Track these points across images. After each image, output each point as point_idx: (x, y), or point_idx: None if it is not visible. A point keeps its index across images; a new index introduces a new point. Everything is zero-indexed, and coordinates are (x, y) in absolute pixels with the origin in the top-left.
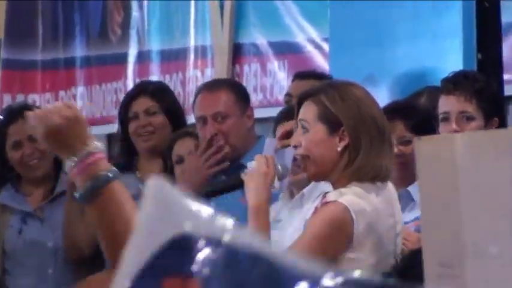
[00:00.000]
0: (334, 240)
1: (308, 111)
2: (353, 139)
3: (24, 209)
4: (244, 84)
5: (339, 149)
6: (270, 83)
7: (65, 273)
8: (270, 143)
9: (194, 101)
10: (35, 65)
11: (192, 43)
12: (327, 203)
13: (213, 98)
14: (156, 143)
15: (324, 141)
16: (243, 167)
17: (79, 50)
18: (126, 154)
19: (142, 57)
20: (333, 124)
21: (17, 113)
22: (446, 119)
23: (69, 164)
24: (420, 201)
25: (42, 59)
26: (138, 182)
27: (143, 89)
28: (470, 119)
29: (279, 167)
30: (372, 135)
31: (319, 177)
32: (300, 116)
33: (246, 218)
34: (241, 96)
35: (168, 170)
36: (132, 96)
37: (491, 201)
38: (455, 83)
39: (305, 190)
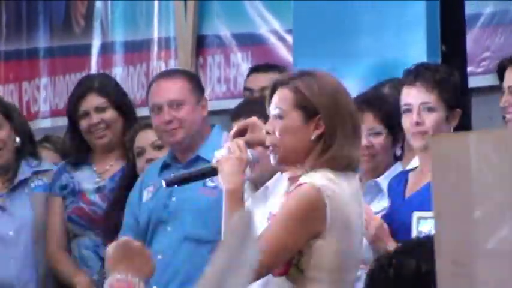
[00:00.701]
0: (308, 220)
1: (283, 99)
2: (329, 128)
3: None
4: (207, 75)
5: (313, 137)
6: (234, 74)
7: (27, 263)
8: (226, 138)
9: (148, 91)
10: None
11: (155, 34)
12: (300, 184)
13: (168, 85)
14: (110, 138)
15: (299, 129)
16: (199, 159)
17: (42, 41)
18: (79, 149)
19: (106, 48)
20: (309, 112)
21: None
22: (408, 110)
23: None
24: (433, 200)
25: (6, 49)
26: (95, 176)
27: (89, 86)
28: (431, 110)
29: (249, 154)
30: (347, 125)
31: (286, 163)
32: (275, 103)
33: (208, 209)
34: (196, 85)
35: (130, 162)
36: (80, 95)
37: (503, 201)
38: (416, 74)
39: (269, 183)
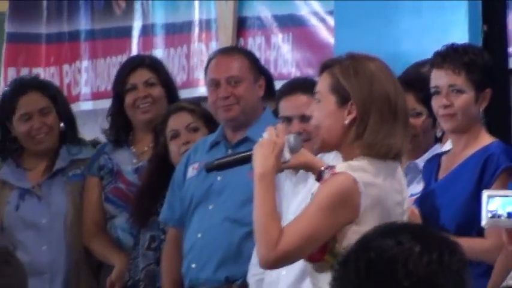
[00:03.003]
0: (340, 210)
1: (322, 82)
2: (361, 114)
3: (22, 186)
4: None
5: (346, 122)
6: (274, 56)
7: (59, 251)
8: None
9: (207, 66)
10: (40, 39)
11: (196, 16)
12: (335, 173)
13: (228, 61)
14: (154, 115)
15: (333, 112)
16: (248, 140)
17: (83, 23)
18: (120, 128)
19: (147, 31)
20: (342, 97)
21: (28, 85)
22: (437, 92)
23: None
24: None
25: (47, 32)
26: (133, 157)
27: (140, 61)
28: (460, 91)
29: (292, 138)
30: (383, 112)
31: (324, 148)
32: (316, 87)
33: (251, 192)
34: (255, 64)
35: (161, 145)
36: (130, 69)
37: None
38: (444, 56)
39: None
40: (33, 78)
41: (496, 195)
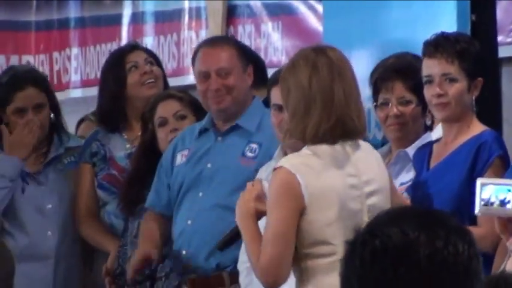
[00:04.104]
0: (287, 200)
1: None
2: (285, 106)
3: (24, 169)
4: None
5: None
6: (264, 44)
7: (64, 235)
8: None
9: (194, 56)
10: (29, 26)
11: (186, 4)
12: (274, 170)
13: (217, 53)
14: (159, 91)
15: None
16: (238, 127)
17: (73, 11)
18: (118, 113)
19: (137, 18)
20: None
21: (25, 80)
22: (430, 81)
23: None
24: None
25: (36, 19)
26: (126, 142)
27: (135, 44)
28: (453, 80)
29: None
30: (296, 100)
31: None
32: None
33: (242, 178)
34: (243, 53)
35: (148, 133)
36: (127, 51)
37: None
38: (436, 45)
39: None
40: (29, 71)
41: (490, 183)
